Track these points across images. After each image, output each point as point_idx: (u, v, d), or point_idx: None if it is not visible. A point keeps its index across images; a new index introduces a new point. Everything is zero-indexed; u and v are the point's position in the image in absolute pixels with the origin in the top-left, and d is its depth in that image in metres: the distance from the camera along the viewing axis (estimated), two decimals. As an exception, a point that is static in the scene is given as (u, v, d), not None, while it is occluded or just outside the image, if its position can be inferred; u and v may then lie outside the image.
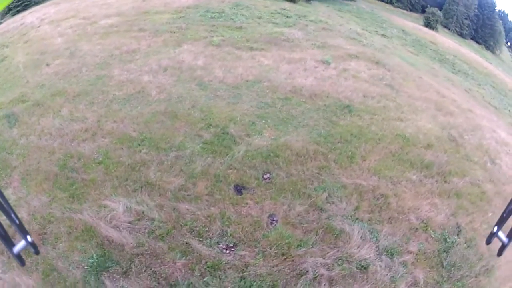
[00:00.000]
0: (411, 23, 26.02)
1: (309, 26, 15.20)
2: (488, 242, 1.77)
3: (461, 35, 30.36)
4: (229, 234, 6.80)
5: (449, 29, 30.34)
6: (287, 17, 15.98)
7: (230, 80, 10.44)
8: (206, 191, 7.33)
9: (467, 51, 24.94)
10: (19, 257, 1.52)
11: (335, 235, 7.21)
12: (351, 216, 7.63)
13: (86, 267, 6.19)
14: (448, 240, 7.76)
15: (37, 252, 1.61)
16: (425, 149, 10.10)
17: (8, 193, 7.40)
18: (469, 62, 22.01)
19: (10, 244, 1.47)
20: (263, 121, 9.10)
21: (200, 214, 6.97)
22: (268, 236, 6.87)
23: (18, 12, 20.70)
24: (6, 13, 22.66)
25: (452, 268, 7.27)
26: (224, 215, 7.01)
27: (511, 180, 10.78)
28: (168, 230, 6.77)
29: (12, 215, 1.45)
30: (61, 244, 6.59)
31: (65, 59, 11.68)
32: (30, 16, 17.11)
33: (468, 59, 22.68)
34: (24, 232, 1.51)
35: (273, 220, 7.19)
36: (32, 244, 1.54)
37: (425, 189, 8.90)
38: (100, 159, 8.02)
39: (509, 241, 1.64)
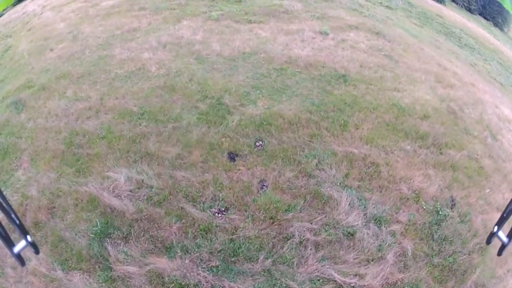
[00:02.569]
0: (419, -4, 24.03)
1: None
2: (488, 242, 1.70)
3: (469, 10, 27.87)
4: (221, 199, 6.76)
5: (457, 4, 27.90)
6: (287, -11, 14.96)
7: (227, 53, 10.00)
8: (200, 159, 7.23)
9: (474, 26, 22.93)
10: (19, 257, 1.46)
11: (323, 201, 7.05)
12: (340, 183, 7.39)
13: (90, 235, 6.33)
14: (440, 212, 7.39)
15: (37, 252, 1.54)
16: (421, 119, 9.53)
17: (18, 174, 7.53)
18: (476, 37, 20.27)
19: (10, 244, 1.41)
20: (258, 91, 8.75)
21: (195, 180, 6.93)
22: (258, 201, 6.80)
23: (20, 1, 19.56)
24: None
25: (444, 242, 6.99)
26: (217, 181, 6.94)
27: (512, 158, 10.12)
28: (165, 196, 6.78)
29: (12, 215, 1.40)
30: (68, 216, 6.72)
31: (68, 42, 11.42)
32: (31, 4, 16.42)
33: (475, 34, 20.90)
34: (24, 232, 1.45)
35: (263, 185, 7.08)
36: (32, 244, 1.48)
37: (419, 160, 8.44)
38: (104, 134, 7.98)
39: (509, 241, 1.58)
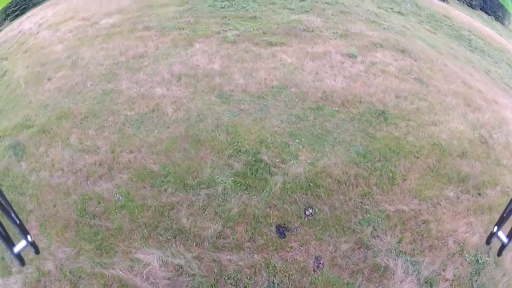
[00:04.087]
0: (424, -5, 23.19)
1: (326, 10, 12.86)
2: (488, 242, 1.61)
3: (470, 5, 27.29)
4: (276, 284, 5.88)
5: (458, 0, 27.28)
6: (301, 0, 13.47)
7: (253, 88, 8.74)
8: (246, 237, 6.23)
9: (480, 25, 22.50)
10: (19, 257, 1.42)
11: (380, 273, 6.39)
12: (395, 250, 6.75)
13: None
14: (480, 261, 7.11)
15: (37, 252, 1.51)
16: (460, 158, 9.01)
17: (28, 241, 6.32)
18: (483, 38, 19.82)
19: (10, 244, 1.38)
20: (297, 140, 7.69)
21: (243, 264, 5.97)
22: (316, 283, 5.99)
23: (17, 16, 18.43)
24: (5, 19, 20.26)
25: (481, 289, 6.72)
26: (269, 264, 6.01)
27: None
28: (211, 285, 5.80)
29: (12, 215, 1.38)
30: (98, 305, 5.65)
31: (67, 70, 9.79)
32: (27, 21, 14.61)
33: (482, 34, 20.45)
34: (24, 232, 1.42)
35: (319, 263, 6.25)
36: (32, 244, 1.44)
37: (462, 207, 8.02)
38: (122, 202, 6.73)
39: (509, 241, 1.52)
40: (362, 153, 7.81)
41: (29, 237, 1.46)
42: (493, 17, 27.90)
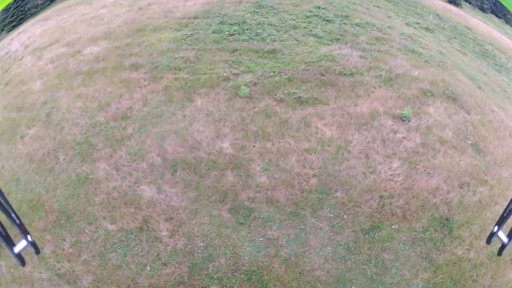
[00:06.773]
0: (440, 3, 20.07)
1: (359, 37, 9.09)
2: (489, 241, 1.51)
3: (482, 9, 24.01)
4: None
5: (470, 3, 23.83)
6: (327, 21, 9.34)
7: (282, 194, 5.52)
8: None
9: (499, 35, 19.83)
10: (19, 257, 1.32)
11: None
12: None
13: None
14: None
15: (37, 252, 1.39)
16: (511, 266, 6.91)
17: None
18: (504, 51, 17.35)
19: (10, 244, 1.28)
20: (348, 292, 4.94)
21: None
22: None
23: (14, 27, 16.38)
24: (2, 30, 17.56)
25: None
26: None
27: None
28: None
29: (12, 215, 1.28)
30: None
31: (41, 126, 7.08)
32: (17, 39, 12.02)
33: (502, 47, 17.97)
34: (24, 232, 1.31)
35: None
36: (33, 244, 1.34)
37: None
38: None
39: (509, 241, 1.40)
40: (428, 298, 5.30)
41: (29, 237, 1.30)
42: (503, 20, 25.03)
